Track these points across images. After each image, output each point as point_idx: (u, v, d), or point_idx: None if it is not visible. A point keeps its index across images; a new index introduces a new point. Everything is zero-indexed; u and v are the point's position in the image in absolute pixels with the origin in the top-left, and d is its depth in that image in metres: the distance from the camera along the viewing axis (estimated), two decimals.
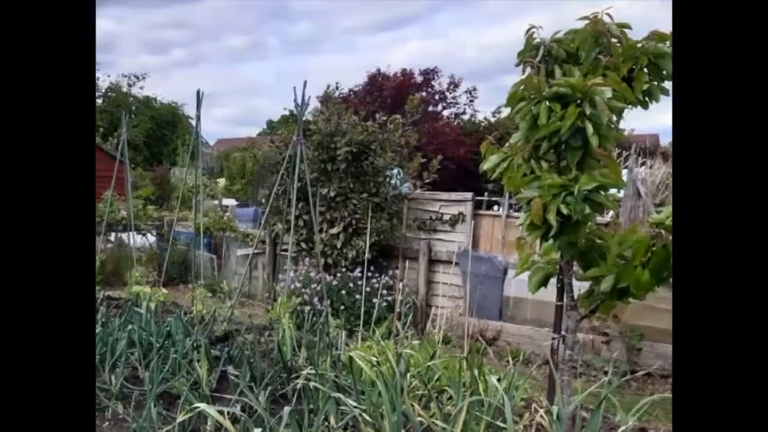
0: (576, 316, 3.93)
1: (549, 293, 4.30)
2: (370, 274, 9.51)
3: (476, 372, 4.61)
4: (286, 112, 32.85)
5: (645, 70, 3.73)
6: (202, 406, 3.83)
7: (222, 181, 25.77)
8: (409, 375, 4.82)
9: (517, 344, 8.65)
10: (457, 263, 9.64)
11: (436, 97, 27.49)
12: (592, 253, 3.77)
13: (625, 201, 8.95)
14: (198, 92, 8.27)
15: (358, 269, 9.90)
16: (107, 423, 4.83)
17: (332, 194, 10.18)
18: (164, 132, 36.82)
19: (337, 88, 23.83)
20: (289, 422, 3.87)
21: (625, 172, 8.78)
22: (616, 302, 3.76)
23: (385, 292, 9.28)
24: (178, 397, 4.84)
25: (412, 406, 4.21)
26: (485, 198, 10.82)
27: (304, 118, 7.74)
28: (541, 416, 4.04)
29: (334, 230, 10.24)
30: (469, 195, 10.48)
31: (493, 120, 27.36)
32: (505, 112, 22.62)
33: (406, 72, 26.41)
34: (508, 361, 5.12)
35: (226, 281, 10.86)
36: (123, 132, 10.02)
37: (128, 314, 6.94)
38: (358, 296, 9.21)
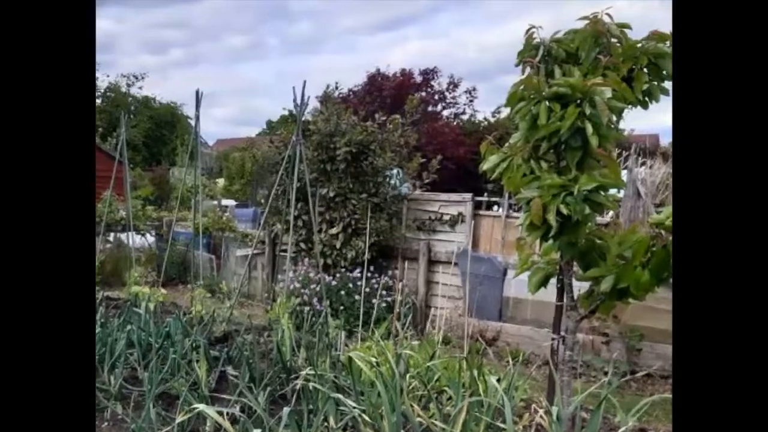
0: (576, 317, 3.93)
1: (549, 294, 4.29)
2: (369, 274, 9.51)
3: (476, 372, 4.61)
4: (286, 112, 32.89)
5: (645, 70, 3.72)
6: (201, 406, 3.82)
7: (221, 182, 25.78)
8: (408, 375, 4.81)
9: (516, 345, 8.65)
10: (456, 264, 9.64)
11: (436, 97, 27.47)
12: (592, 254, 3.77)
13: (625, 201, 8.95)
14: (197, 92, 8.27)
15: (358, 270, 9.89)
16: (106, 423, 4.82)
17: (331, 194, 10.18)
18: (163, 132, 36.80)
19: (336, 88, 23.83)
20: (288, 423, 3.86)
21: (624, 172, 8.78)
22: (616, 302, 3.75)
23: (384, 292, 9.27)
24: (177, 398, 4.83)
25: (412, 406, 4.20)
26: (485, 198, 10.81)
27: (303, 118, 7.73)
28: (541, 417, 4.04)
29: (334, 230, 10.23)
30: (468, 195, 10.48)
31: (492, 120, 27.34)
32: (505, 112, 22.60)
33: (406, 72, 26.39)
34: (507, 362, 5.11)
35: (225, 281, 10.85)
36: (122, 132, 10.01)
37: (127, 315, 6.93)
38: (357, 297, 9.21)
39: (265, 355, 5.99)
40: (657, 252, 3.35)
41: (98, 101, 36.79)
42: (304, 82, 7.24)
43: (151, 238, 14.12)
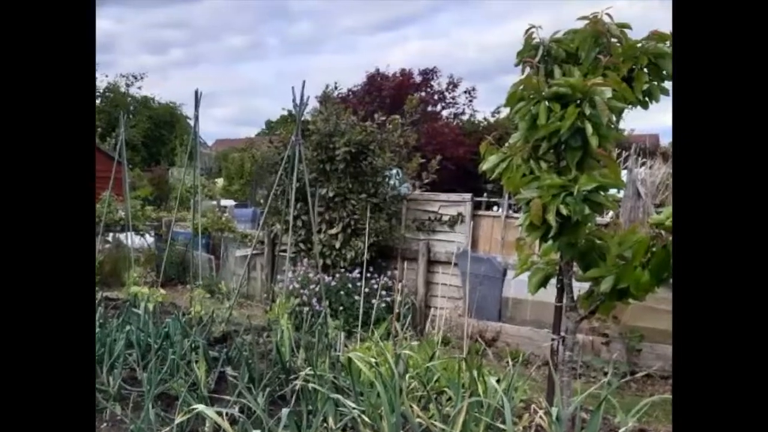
0: (576, 317, 3.92)
1: (548, 294, 4.29)
2: (368, 274, 9.50)
3: (475, 373, 4.61)
4: (285, 113, 32.90)
5: (645, 70, 3.72)
6: (201, 407, 3.82)
7: (220, 182, 25.75)
8: (408, 376, 4.81)
9: (516, 345, 8.64)
10: (456, 264, 9.63)
11: (435, 97, 27.45)
12: (591, 254, 3.77)
13: (625, 201, 8.94)
14: (196, 92, 8.26)
15: (357, 270, 9.88)
16: (105, 424, 4.82)
17: (331, 194, 10.17)
18: (162, 132, 36.76)
19: (336, 88, 23.82)
20: (287, 423, 3.86)
21: (624, 172, 8.78)
22: (616, 303, 3.75)
23: (384, 292, 9.27)
24: (176, 399, 4.83)
25: (411, 407, 4.19)
26: (484, 198, 10.80)
27: (302, 119, 7.73)
28: (541, 417, 4.03)
29: (333, 231, 10.22)
30: (468, 195, 10.47)
31: (492, 120, 27.33)
32: (505, 112, 22.60)
33: (405, 72, 26.37)
34: (507, 362, 5.11)
35: (225, 282, 10.85)
36: (121, 132, 10.02)
37: (126, 315, 6.92)
38: (356, 297, 9.19)
39: (265, 355, 5.98)
40: (657, 252, 3.35)
41: (97, 101, 36.74)
42: (304, 82, 7.24)
43: (150, 239, 14.10)
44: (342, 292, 9.74)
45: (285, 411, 3.85)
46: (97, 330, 6.29)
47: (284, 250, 9.51)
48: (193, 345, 5.84)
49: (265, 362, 5.71)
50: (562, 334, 4.08)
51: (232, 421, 4.04)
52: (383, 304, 9.15)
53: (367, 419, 4.08)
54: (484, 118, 28.02)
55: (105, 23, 58.12)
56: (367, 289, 8.69)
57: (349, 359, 4.67)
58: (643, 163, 10.29)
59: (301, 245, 10.61)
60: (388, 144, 10.82)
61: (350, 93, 25.65)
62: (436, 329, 7.39)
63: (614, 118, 3.61)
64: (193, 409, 3.84)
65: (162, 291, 7.89)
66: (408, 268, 10.29)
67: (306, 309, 8.21)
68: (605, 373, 6.93)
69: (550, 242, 3.66)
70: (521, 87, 3.65)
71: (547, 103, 3.49)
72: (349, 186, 10.19)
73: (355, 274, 9.91)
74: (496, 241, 10.19)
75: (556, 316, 4.23)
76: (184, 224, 13.58)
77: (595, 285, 3.68)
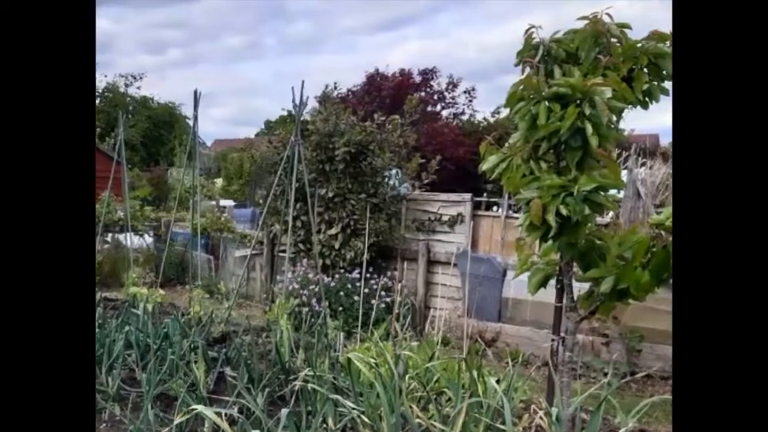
0: (575, 318, 3.92)
1: (548, 294, 4.29)
2: (368, 275, 9.50)
3: (475, 373, 4.60)
4: (284, 113, 32.91)
5: (645, 70, 3.72)
6: (200, 407, 3.81)
7: (219, 182, 25.75)
8: (407, 376, 4.80)
9: (516, 346, 8.64)
10: (455, 264, 9.63)
11: (435, 97, 27.47)
12: (591, 254, 3.76)
13: (625, 202, 8.94)
14: (195, 92, 8.25)
15: (357, 270, 9.88)
16: (104, 425, 4.81)
17: (330, 195, 10.17)
18: (161, 132, 36.77)
19: (335, 88, 23.85)
20: (287, 424, 3.85)
21: (624, 172, 8.78)
22: (616, 303, 3.75)
23: (383, 293, 9.27)
24: (175, 399, 4.82)
25: (411, 407, 4.19)
26: (484, 199, 10.80)
27: (302, 119, 7.72)
28: (541, 418, 4.03)
29: (333, 231, 10.22)
30: (468, 196, 10.47)
31: (492, 120, 27.35)
32: (505, 112, 22.60)
33: (405, 72, 26.39)
34: (507, 363, 5.11)
35: (224, 282, 10.85)
36: (120, 132, 10.00)
37: (125, 315, 6.92)
38: (356, 297, 9.19)
39: (264, 356, 5.98)
40: (657, 253, 3.35)
41: (96, 101, 36.77)
42: (303, 82, 7.23)
43: (149, 239, 14.10)
44: (341, 293, 9.74)
45: (284, 411, 3.85)
46: (96, 330, 6.29)
47: (283, 251, 9.51)
48: (192, 345, 5.83)
49: (265, 363, 5.70)
50: (562, 334, 4.08)
51: (231, 421, 4.04)
52: (383, 305, 9.15)
53: (366, 420, 4.08)
54: (484, 118, 28.06)
55: (103, 23, 58.17)
56: (366, 290, 8.69)
57: (349, 360, 4.66)
58: (643, 164, 10.29)
59: (301, 245, 10.61)
60: (388, 144, 10.82)
61: (350, 93, 25.67)
62: (436, 330, 7.39)
63: (614, 118, 3.61)
64: (193, 410, 3.84)
65: (161, 291, 7.88)
66: (408, 268, 10.29)
67: (305, 309, 8.21)
68: (605, 374, 6.93)
69: (550, 242, 3.65)
70: (521, 87, 3.65)
71: (547, 103, 3.49)
72: (349, 186, 10.18)
73: (355, 274, 9.91)
74: (495, 241, 10.20)
75: (556, 316, 4.22)
76: (183, 224, 13.58)
77: (595, 285, 3.68)
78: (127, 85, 39.01)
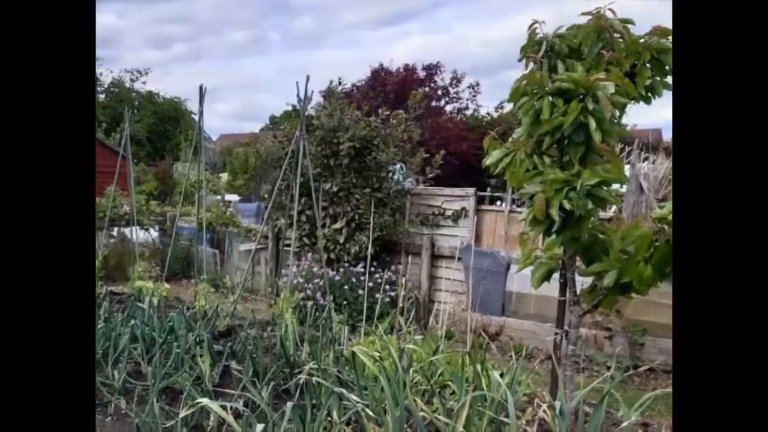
0: (579, 312, 3.94)
1: (552, 288, 4.30)
2: (372, 269, 9.51)
3: (479, 367, 4.61)
4: (289, 108, 32.85)
5: (648, 65, 3.73)
6: (205, 401, 3.83)
7: (225, 177, 25.77)
8: (411, 370, 4.81)
9: (519, 339, 8.65)
10: (459, 258, 9.63)
11: (439, 92, 27.47)
12: (594, 249, 3.78)
13: (628, 196, 8.94)
14: (201, 87, 8.26)
15: (361, 264, 9.90)
16: (110, 418, 4.85)
17: (335, 189, 10.17)
18: (167, 127, 36.83)
19: (339, 83, 23.79)
20: (291, 417, 3.87)
21: (627, 167, 8.77)
22: (619, 297, 3.76)
23: (387, 287, 9.28)
24: (180, 393, 4.85)
25: (415, 401, 4.21)
26: (488, 193, 10.82)
27: (306, 114, 7.73)
28: (544, 411, 4.04)
29: (337, 225, 10.23)
30: (471, 190, 10.46)
31: (495, 115, 27.36)
32: (508, 107, 22.50)
33: (409, 67, 26.39)
34: (510, 357, 5.12)
35: (229, 276, 10.86)
36: (126, 127, 10.01)
37: (131, 309, 6.95)
38: (360, 291, 9.21)
39: (269, 349, 6.00)
40: (660, 247, 3.36)
41: (102, 96, 36.86)
42: (308, 77, 7.24)
43: (154, 233, 14.12)
44: (346, 287, 9.75)
45: (289, 405, 3.86)
46: (102, 324, 6.32)
47: (288, 245, 9.54)
48: (197, 339, 5.86)
49: (270, 356, 5.73)
50: (566, 328, 4.09)
51: (237, 414, 4.06)
52: (387, 299, 9.16)
53: (371, 413, 4.10)
54: (488, 113, 28.07)
55: (108, 18, 58.23)
56: (371, 284, 8.70)
57: (353, 353, 4.68)
58: (646, 158, 10.27)
59: (306, 240, 10.62)
60: (392, 139, 10.82)
61: (354, 88, 25.68)
62: (440, 323, 7.38)
63: (617, 113, 3.62)
64: (198, 403, 3.86)
65: (166, 285, 7.92)
66: (412, 262, 10.29)
67: (310, 303, 8.22)
68: (608, 367, 6.95)
69: (553, 237, 3.67)
70: (524, 82, 3.67)
71: (550, 98, 3.50)
72: (353, 181, 10.19)
73: (359, 268, 9.92)
74: (499, 235, 10.19)
75: (560, 310, 4.23)
76: (188, 219, 13.59)
77: (598, 279, 3.69)
78: (132, 81, 39.10)
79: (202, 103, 8.40)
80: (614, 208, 7.94)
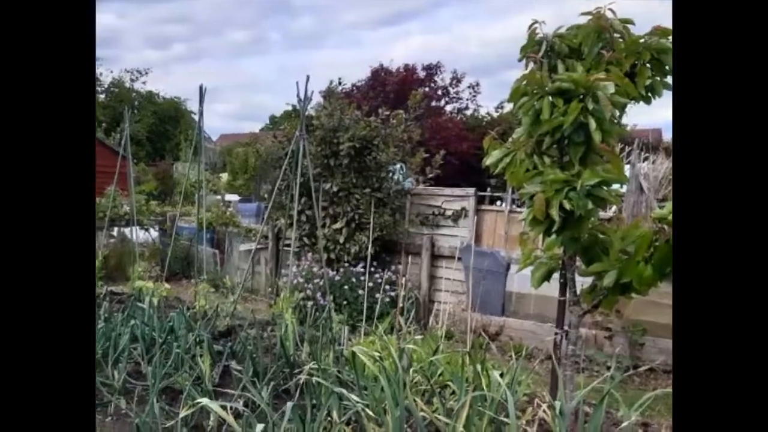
0: (579, 312, 3.94)
1: (552, 288, 4.30)
2: (372, 269, 9.51)
3: (479, 367, 4.61)
4: (289, 108, 32.85)
5: (648, 65, 3.73)
6: (205, 401, 3.83)
7: (225, 177, 25.77)
8: (411, 370, 4.82)
9: (519, 339, 8.65)
10: (459, 258, 9.63)
11: (439, 92, 27.48)
12: (594, 249, 3.78)
13: (628, 196, 8.94)
14: (201, 87, 8.26)
15: (361, 264, 9.90)
16: (110, 418, 4.85)
17: (335, 189, 10.17)
18: (167, 127, 36.84)
19: (339, 83, 23.79)
20: (291, 417, 3.87)
21: (627, 167, 8.78)
22: (619, 297, 3.76)
23: (387, 287, 9.28)
24: (180, 393, 4.85)
25: (415, 401, 4.21)
26: (488, 193, 10.81)
27: (306, 114, 7.73)
28: (544, 411, 4.04)
29: (337, 225, 10.23)
30: (471, 190, 10.47)
31: (495, 115, 27.37)
32: (508, 107, 22.53)
33: (409, 67, 26.40)
34: (510, 357, 5.12)
35: (229, 276, 10.86)
36: (126, 127, 10.01)
37: (131, 309, 6.94)
38: (360, 291, 9.21)
39: (269, 349, 6.00)
40: (660, 247, 3.36)
41: (102, 96, 36.87)
42: (308, 77, 7.24)
43: (154, 233, 14.12)
44: (346, 287, 9.75)
45: (289, 405, 3.86)
46: (102, 324, 6.32)
47: (288, 245, 9.53)
48: (197, 339, 5.86)
49: (270, 356, 5.73)
50: (566, 328, 4.09)
51: (237, 414, 4.06)
52: (387, 299, 9.16)
53: (371, 413, 4.10)
54: (488, 113, 28.09)
55: (108, 18, 58.26)
56: (371, 284, 8.70)
57: (353, 353, 4.68)
58: (646, 158, 10.27)
59: (305, 240, 10.62)
60: (392, 139, 10.82)
61: (354, 88, 25.69)
62: (440, 323, 7.38)
63: (617, 113, 3.62)
64: (198, 403, 3.86)
65: (166, 285, 7.92)
66: (412, 262, 10.29)
67: (310, 303, 8.22)
68: (608, 367, 6.95)
69: (553, 237, 3.67)
70: (524, 82, 3.67)
71: (550, 98, 3.50)
72: (353, 181, 10.19)
73: (359, 268, 9.92)
74: (499, 235, 10.19)
75: (560, 310, 4.23)
76: (188, 219, 13.60)
77: (598, 279, 3.69)
78: (132, 81, 39.11)
79: (202, 103, 8.40)
80: (614, 208, 7.94)
